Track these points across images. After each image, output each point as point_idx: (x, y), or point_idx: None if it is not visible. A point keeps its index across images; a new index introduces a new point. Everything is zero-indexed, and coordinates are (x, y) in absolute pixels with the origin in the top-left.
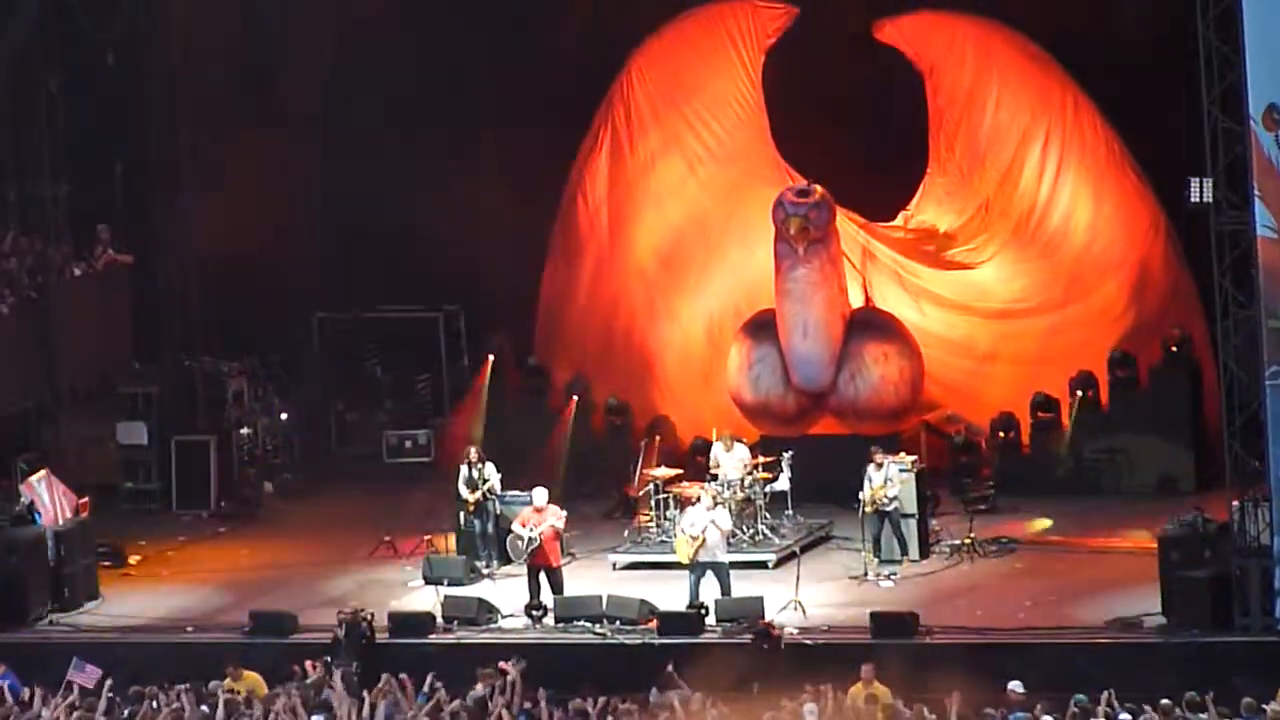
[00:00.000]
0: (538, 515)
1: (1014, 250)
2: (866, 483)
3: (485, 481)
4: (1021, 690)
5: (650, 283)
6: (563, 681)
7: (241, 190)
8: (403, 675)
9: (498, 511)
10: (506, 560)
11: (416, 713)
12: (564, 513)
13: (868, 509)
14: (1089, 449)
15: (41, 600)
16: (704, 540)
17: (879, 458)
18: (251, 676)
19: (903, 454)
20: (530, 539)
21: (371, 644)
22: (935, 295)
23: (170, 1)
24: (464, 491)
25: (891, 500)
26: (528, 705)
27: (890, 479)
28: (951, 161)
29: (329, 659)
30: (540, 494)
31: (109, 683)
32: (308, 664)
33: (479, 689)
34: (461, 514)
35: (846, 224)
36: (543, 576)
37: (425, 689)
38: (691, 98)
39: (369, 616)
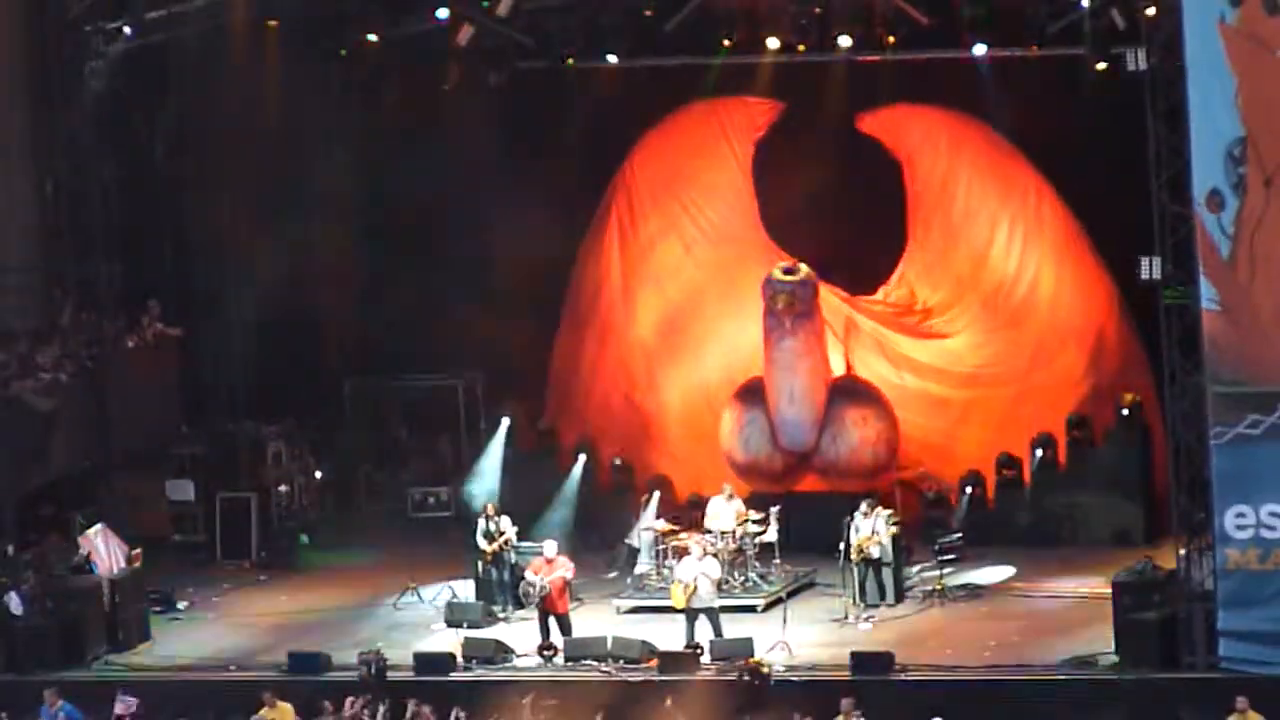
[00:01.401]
0: (548, 565)
1: (985, 321)
2: (854, 532)
3: (502, 534)
4: None
5: (650, 354)
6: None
7: (278, 269)
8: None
9: (513, 561)
10: (520, 605)
11: None
12: (572, 564)
13: (854, 557)
14: (1048, 503)
15: (98, 642)
16: (695, 589)
17: (865, 509)
18: (285, 707)
19: (879, 508)
20: (541, 586)
21: (385, 681)
22: (913, 362)
23: (214, 98)
24: (482, 543)
25: (880, 549)
26: None
27: (877, 530)
28: (928, 241)
29: (369, 696)
30: (551, 546)
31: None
32: (347, 700)
33: None
34: (480, 563)
35: (831, 298)
36: (552, 621)
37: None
38: (688, 186)
39: (385, 657)
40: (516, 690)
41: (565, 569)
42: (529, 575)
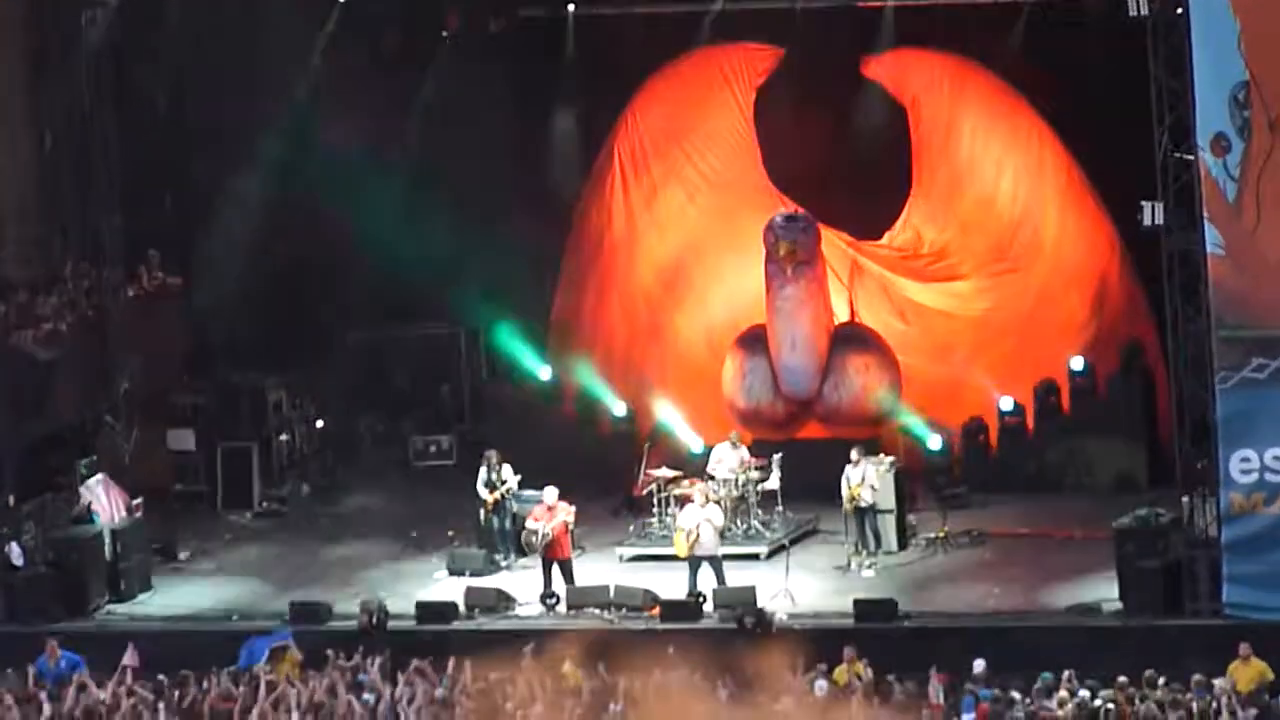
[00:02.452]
0: (549, 512)
1: (990, 265)
2: (845, 483)
3: (504, 483)
4: (983, 668)
5: (653, 301)
6: None
7: (279, 218)
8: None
9: (514, 510)
10: (522, 553)
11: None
12: (573, 508)
13: (847, 506)
14: (1052, 450)
15: (100, 592)
16: (698, 537)
17: (855, 457)
18: (290, 658)
19: (882, 455)
20: (544, 533)
21: (386, 630)
22: (918, 305)
23: (213, 48)
24: (483, 492)
25: (872, 496)
26: None
27: (866, 478)
28: (933, 186)
29: (364, 645)
30: (551, 492)
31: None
32: (332, 654)
33: None
34: (482, 512)
35: (837, 241)
36: (555, 568)
37: (449, 670)
38: (689, 133)
39: (385, 607)
40: (519, 639)
41: (566, 514)
42: (530, 523)
